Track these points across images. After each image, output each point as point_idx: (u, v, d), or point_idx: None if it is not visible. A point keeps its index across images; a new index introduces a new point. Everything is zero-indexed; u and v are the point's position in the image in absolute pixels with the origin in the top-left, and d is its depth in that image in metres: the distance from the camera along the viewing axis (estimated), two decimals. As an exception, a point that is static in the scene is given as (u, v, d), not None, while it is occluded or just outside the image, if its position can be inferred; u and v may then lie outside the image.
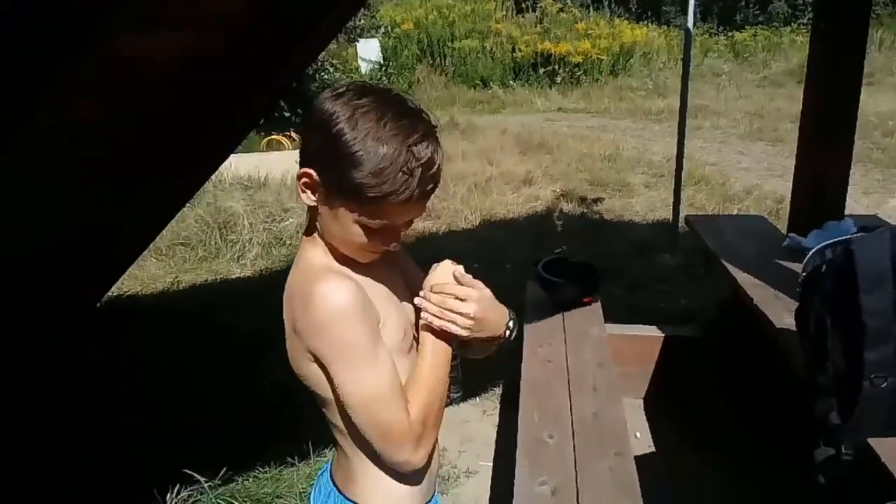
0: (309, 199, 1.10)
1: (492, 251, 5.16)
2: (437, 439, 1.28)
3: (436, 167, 1.07)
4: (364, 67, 13.71)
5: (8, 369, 3.43)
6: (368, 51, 13.92)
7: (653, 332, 3.34)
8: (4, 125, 1.67)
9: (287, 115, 9.18)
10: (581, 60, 13.15)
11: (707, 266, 4.40)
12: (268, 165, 6.80)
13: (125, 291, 4.51)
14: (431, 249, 5.24)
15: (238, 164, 6.56)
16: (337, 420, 1.18)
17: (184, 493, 2.57)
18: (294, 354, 1.16)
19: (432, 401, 1.16)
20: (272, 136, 8.68)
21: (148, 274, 4.76)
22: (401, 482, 1.22)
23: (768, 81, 12.75)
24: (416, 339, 1.25)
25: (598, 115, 11.19)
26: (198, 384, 3.36)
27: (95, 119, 1.95)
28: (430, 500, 1.31)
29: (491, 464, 2.93)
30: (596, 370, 2.70)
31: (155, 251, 4.94)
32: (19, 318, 3.28)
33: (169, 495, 2.56)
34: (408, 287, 1.29)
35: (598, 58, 13.25)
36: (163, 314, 4.11)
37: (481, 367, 3.31)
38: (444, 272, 1.22)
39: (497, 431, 3.17)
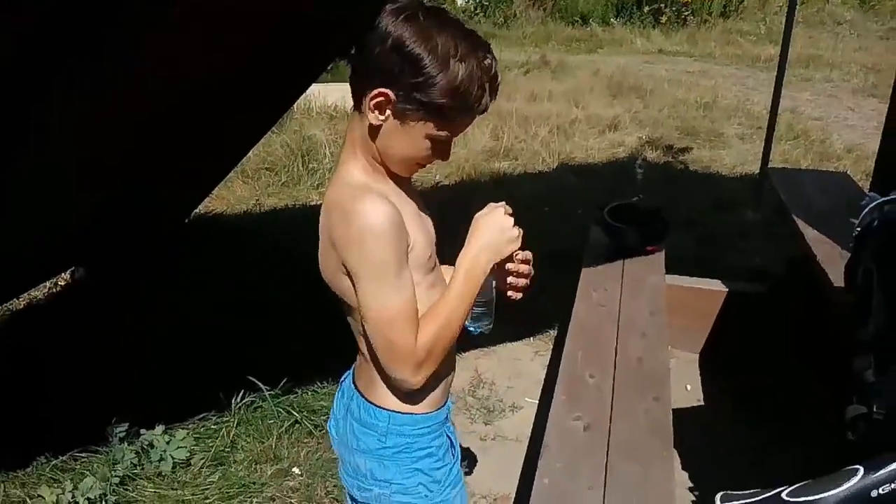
0: (377, 118, 1.17)
1: (565, 196, 5.11)
2: (453, 354, 1.39)
3: (499, 79, 1.19)
4: (461, 2, 13.50)
5: (107, 279, 3.75)
6: (465, -17, 13.65)
7: (716, 285, 3.28)
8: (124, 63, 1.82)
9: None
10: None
11: (783, 222, 4.23)
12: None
13: (211, 210, 4.77)
14: (504, 190, 5.25)
15: (325, 94, 6.69)
16: (360, 329, 1.27)
17: (247, 399, 2.79)
18: (327, 265, 1.25)
19: (443, 333, 1.23)
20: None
21: (234, 195, 5.01)
22: (415, 389, 1.29)
23: (894, 33, 11.72)
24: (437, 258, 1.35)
25: (701, 60, 10.63)
26: (269, 300, 3.57)
27: (205, 56, 2.12)
28: (443, 405, 1.40)
29: (536, 401, 3.01)
30: (648, 318, 2.71)
31: (242, 174, 5.18)
32: (122, 230, 3.56)
33: (234, 399, 2.78)
34: (427, 207, 1.36)
35: (708, -3, 12.51)
36: (243, 233, 4.35)
37: (538, 309, 3.37)
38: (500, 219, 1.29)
39: (546, 371, 3.23)
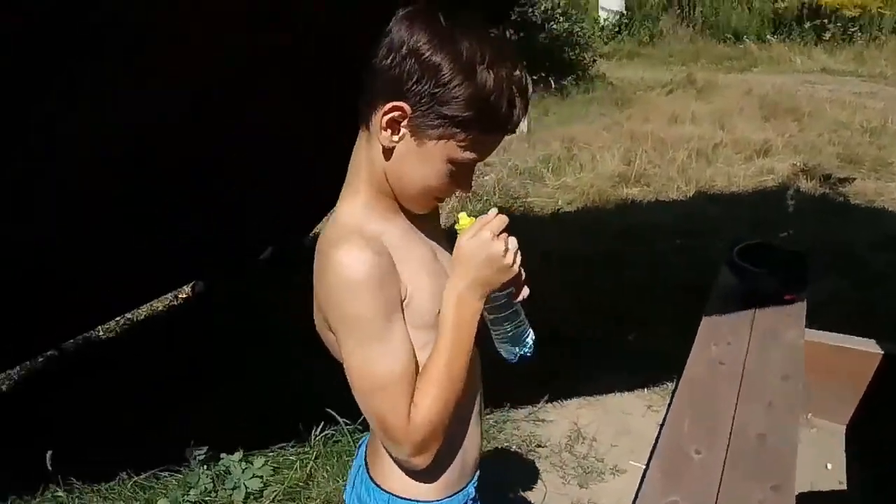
0: (389, 139, 0.98)
1: (701, 227, 4.66)
2: (479, 423, 1.20)
3: (529, 95, 1.01)
4: (604, 17, 13.09)
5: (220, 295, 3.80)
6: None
7: (870, 345, 2.77)
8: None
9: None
10: (857, 14, 11.33)
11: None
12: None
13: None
14: (633, 218, 4.88)
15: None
16: None
17: (327, 431, 2.67)
18: (316, 316, 1.06)
19: (443, 402, 1.01)
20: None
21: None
22: (421, 473, 1.09)
23: None
24: None
25: (870, 80, 9.59)
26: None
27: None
28: (461, 489, 1.17)
29: (643, 466, 2.66)
30: (778, 383, 2.30)
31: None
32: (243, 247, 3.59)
33: (314, 431, 2.67)
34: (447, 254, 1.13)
35: (879, 12, 11.32)
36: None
37: (657, 355, 3.02)
38: (485, 244, 1.02)
39: (658, 432, 2.86)
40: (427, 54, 0.93)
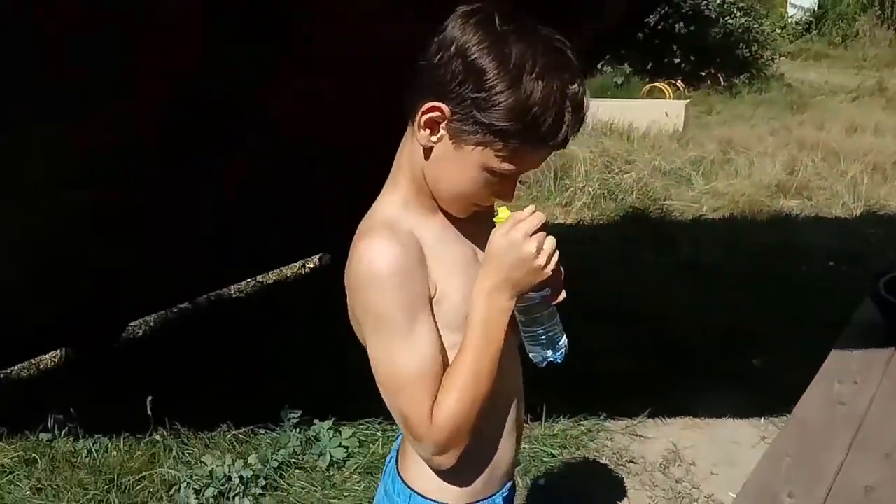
0: (427, 138, 0.95)
1: (861, 251, 4.18)
2: (516, 433, 1.15)
3: (585, 110, 0.94)
4: (793, 14, 12.09)
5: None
6: (801, -5, 12.22)
7: None
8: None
9: (677, 61, 8.60)
10: None
11: None
12: (633, 113, 6.51)
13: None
14: (784, 233, 4.48)
15: (602, 109, 6.41)
16: None
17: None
18: (349, 307, 1.05)
19: (467, 404, 0.97)
20: (655, 84, 8.25)
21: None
22: (449, 474, 1.06)
23: None
24: None
25: None
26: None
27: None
28: (486, 499, 1.12)
29: (742, 500, 2.44)
30: (907, 434, 2.00)
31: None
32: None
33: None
34: None
35: None
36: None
37: (778, 383, 2.75)
38: (517, 242, 0.96)
39: (766, 464, 2.61)
40: (474, 56, 0.89)
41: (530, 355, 1.08)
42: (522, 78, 0.87)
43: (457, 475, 1.06)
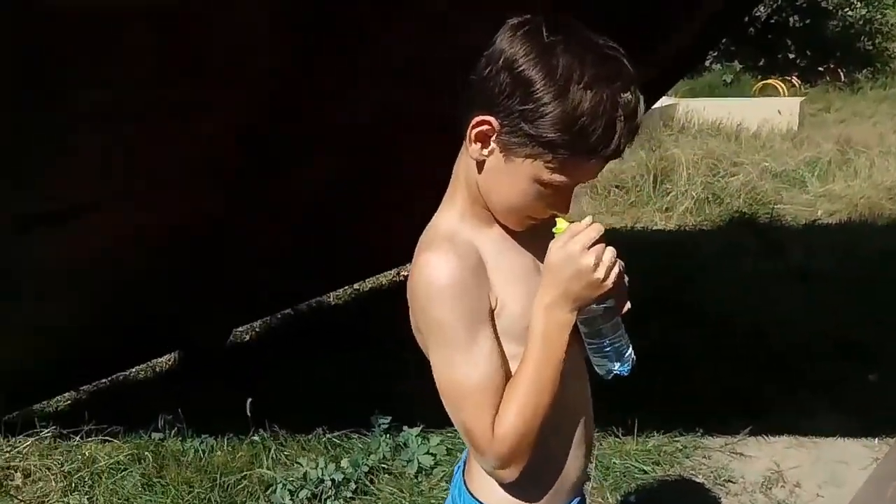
0: (478, 152, 0.96)
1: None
2: (584, 449, 1.13)
3: (638, 119, 0.92)
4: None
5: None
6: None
7: None
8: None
9: (792, 56, 8.13)
10: None
11: None
12: (743, 112, 6.20)
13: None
14: (829, 236, 4.13)
15: (709, 108, 6.16)
16: None
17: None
18: (411, 319, 1.07)
19: (527, 419, 0.96)
20: (768, 81, 7.83)
21: (579, 211, 4.93)
22: (514, 487, 1.05)
23: None
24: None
25: None
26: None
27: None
28: None
29: (850, 525, 2.27)
30: None
31: (591, 189, 5.06)
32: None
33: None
34: None
35: None
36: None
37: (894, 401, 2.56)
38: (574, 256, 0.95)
39: (880, 489, 2.42)
40: (521, 68, 0.89)
41: (596, 367, 1.06)
42: (570, 88, 0.87)
43: (522, 488, 1.05)
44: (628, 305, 1.05)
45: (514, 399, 0.96)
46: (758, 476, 2.53)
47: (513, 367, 0.99)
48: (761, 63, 8.34)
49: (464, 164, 1.01)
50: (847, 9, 8.29)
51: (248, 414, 2.61)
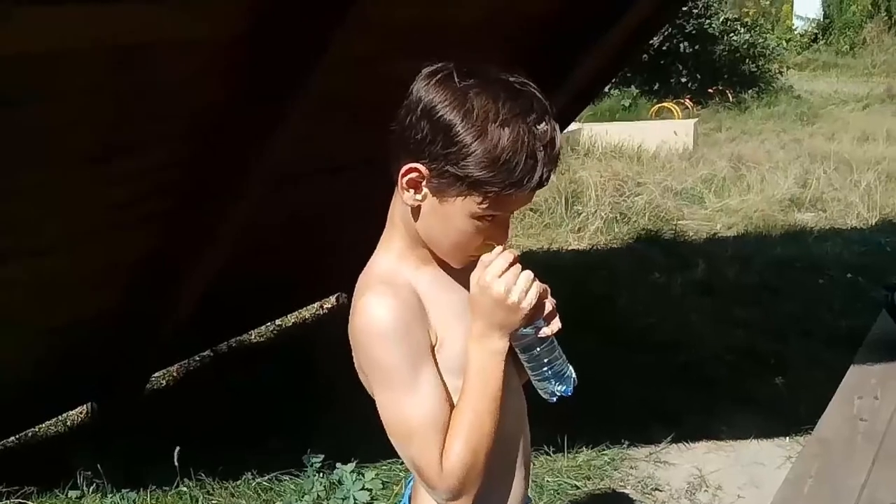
0: (412, 198, 0.98)
1: (879, 263, 4.14)
2: (525, 468, 1.16)
3: (557, 147, 0.96)
4: (799, 26, 12.11)
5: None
6: (806, 6, 12.23)
7: None
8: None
9: (684, 80, 8.64)
10: None
11: None
12: (643, 134, 6.53)
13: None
14: (799, 247, 4.45)
15: (611, 131, 6.44)
16: None
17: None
18: (355, 361, 1.09)
19: (473, 451, 0.99)
20: (663, 104, 8.28)
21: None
22: None
23: None
24: None
25: None
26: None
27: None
28: None
29: (769, 523, 2.40)
30: (932, 449, 1.98)
31: (507, 213, 5.17)
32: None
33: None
34: None
35: None
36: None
37: (801, 400, 2.72)
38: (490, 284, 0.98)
39: (793, 485, 2.57)
40: (440, 114, 0.92)
41: (540, 392, 1.09)
42: (487, 127, 0.90)
43: None
44: (557, 325, 1.07)
45: (458, 432, 0.98)
46: (682, 482, 2.64)
47: (456, 399, 1.01)
48: (656, 87, 8.82)
49: (399, 209, 1.03)
50: (732, 34, 8.90)
51: (176, 463, 2.50)
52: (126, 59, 1.51)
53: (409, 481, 1.29)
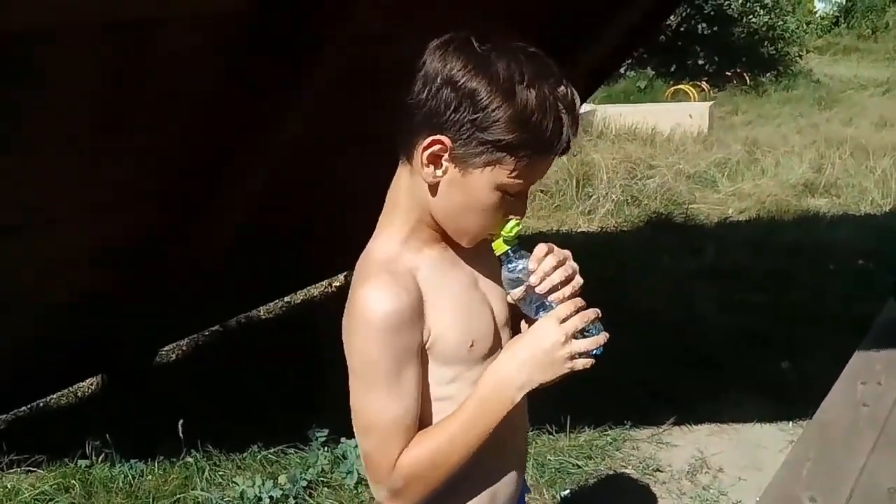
0: (432, 174, 0.95)
1: (891, 249, 4.09)
2: (522, 455, 1.17)
3: (577, 110, 0.94)
4: (820, 8, 11.90)
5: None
6: (829, -10, 12.02)
7: None
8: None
9: (701, 62, 8.52)
10: None
11: None
12: (656, 117, 6.46)
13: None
14: (812, 232, 4.41)
15: (625, 113, 6.39)
16: None
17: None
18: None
19: (432, 467, 0.98)
20: (679, 86, 8.18)
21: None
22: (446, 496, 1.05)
23: None
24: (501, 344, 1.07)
25: None
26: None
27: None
28: None
29: (770, 505, 2.41)
30: (934, 435, 1.97)
31: (518, 194, 5.17)
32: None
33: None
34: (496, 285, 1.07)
35: None
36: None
37: (806, 384, 2.72)
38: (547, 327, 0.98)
39: (795, 469, 2.58)
40: (462, 81, 0.90)
41: None
42: (515, 89, 0.89)
43: (458, 497, 1.06)
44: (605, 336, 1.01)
45: (428, 444, 0.97)
46: (683, 464, 2.65)
47: (450, 389, 1.01)
48: (672, 69, 8.72)
49: (406, 190, 1.00)
50: (751, 16, 8.76)
51: (181, 435, 2.54)
52: (133, 36, 1.52)
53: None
